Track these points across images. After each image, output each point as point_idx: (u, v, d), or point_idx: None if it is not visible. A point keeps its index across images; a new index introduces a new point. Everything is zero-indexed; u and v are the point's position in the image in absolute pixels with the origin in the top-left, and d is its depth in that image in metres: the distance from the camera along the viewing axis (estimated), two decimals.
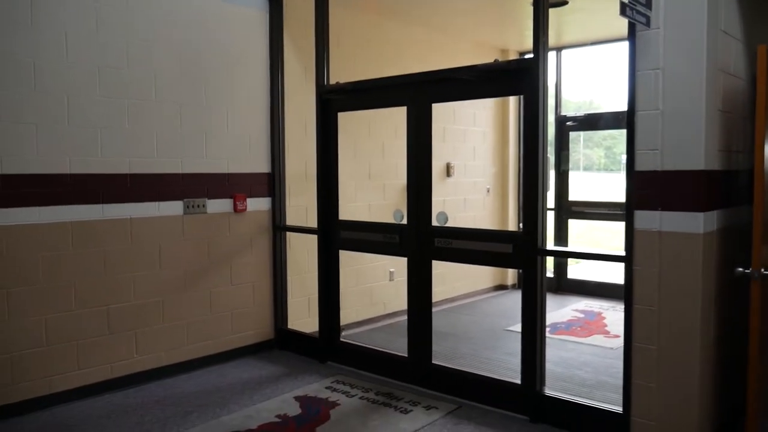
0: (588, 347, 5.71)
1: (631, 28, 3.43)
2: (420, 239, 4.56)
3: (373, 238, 4.87)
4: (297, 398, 4.43)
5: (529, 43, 7.80)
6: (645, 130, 3.42)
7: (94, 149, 4.37)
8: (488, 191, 7.98)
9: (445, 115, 7.24)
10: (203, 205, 5.01)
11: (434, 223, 4.54)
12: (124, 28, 4.48)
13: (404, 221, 4.70)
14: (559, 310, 7.09)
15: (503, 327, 6.45)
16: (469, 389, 4.36)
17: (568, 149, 7.91)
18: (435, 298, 6.94)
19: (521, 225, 8.00)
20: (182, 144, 4.85)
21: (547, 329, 6.31)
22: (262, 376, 4.90)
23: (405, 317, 6.71)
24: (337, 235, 5.10)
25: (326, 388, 4.64)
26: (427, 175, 4.53)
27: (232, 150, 5.18)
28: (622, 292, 7.17)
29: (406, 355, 4.75)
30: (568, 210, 7.85)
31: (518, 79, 3.96)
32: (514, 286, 8.34)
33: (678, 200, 3.33)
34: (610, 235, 13.78)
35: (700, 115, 3.24)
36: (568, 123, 7.74)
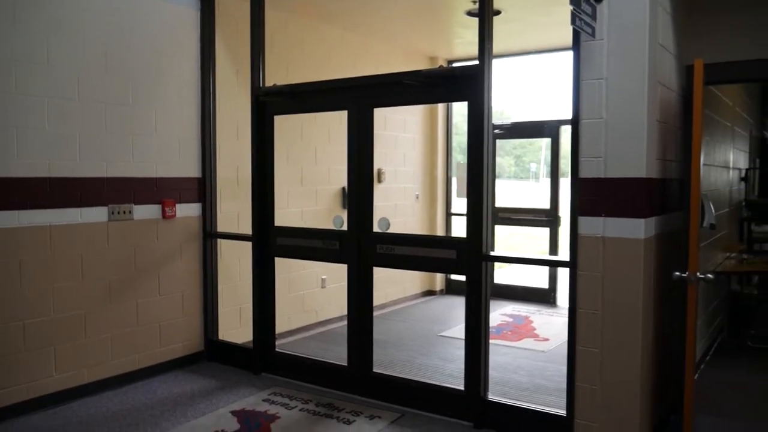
0: (520, 351, 5.81)
1: (576, 38, 3.51)
2: (361, 246, 4.49)
3: (312, 244, 4.75)
4: (234, 413, 4.24)
5: (458, 52, 7.93)
6: (589, 138, 3.50)
7: (9, 150, 4.02)
8: (417, 197, 8.01)
9: (376, 120, 7.18)
10: (129, 212, 4.72)
11: (376, 229, 4.47)
12: (45, 20, 4.16)
13: (344, 227, 4.61)
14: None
15: (436, 333, 6.47)
16: (412, 397, 4.31)
17: (494, 157, 8.04)
18: None
19: (451, 231, 8.05)
20: (107, 146, 4.55)
21: None
22: (194, 390, 4.66)
23: (338, 324, 6.68)
24: (272, 241, 4.94)
25: (264, 400, 4.46)
26: (369, 181, 4.47)
27: (160, 153, 4.92)
28: (546, 297, 7.38)
29: (345, 364, 4.65)
30: (495, 216, 7.98)
31: (463, 85, 3.98)
32: (442, 292, 8.42)
33: (621, 207, 3.42)
34: (527, 240, 14.21)
35: (643, 124, 3.35)
36: (495, 131, 7.89)
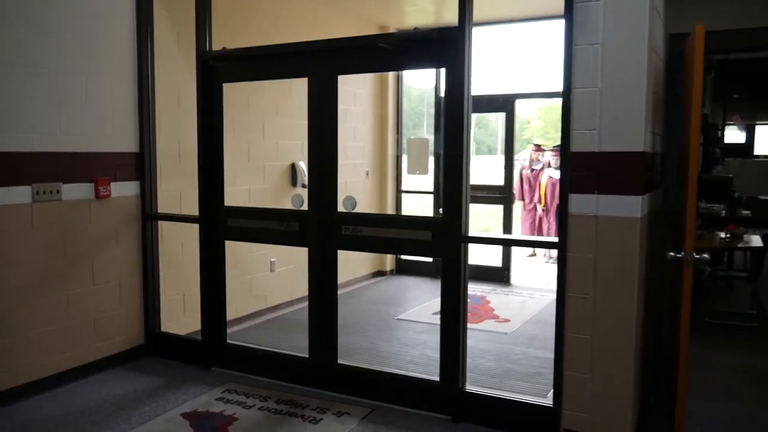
0: (483, 333, 5.58)
1: (569, 1, 3.22)
2: (324, 227, 4.09)
3: (268, 226, 4.32)
4: (185, 415, 3.80)
5: (410, 21, 7.56)
6: (582, 109, 3.23)
7: None
8: (368, 174, 7.64)
9: None
10: (57, 191, 4.14)
11: (340, 209, 4.09)
12: None
13: (305, 207, 4.20)
14: None
15: (393, 316, 6.17)
16: (382, 390, 3.99)
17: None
18: None
19: (401, 209, 7.75)
20: (30, 116, 3.95)
21: (437, 316, 6.13)
22: (138, 390, 4.17)
23: (288, 310, 6.29)
24: (222, 223, 4.47)
25: (217, 399, 4.04)
26: (333, 156, 4.07)
27: (92, 125, 4.34)
28: (500, 275, 7.17)
29: (306, 356, 4.27)
30: None
31: (440, 50, 3.62)
32: (392, 272, 8.12)
33: (617, 183, 3.18)
34: (476, 218, 14.12)
35: (641, 93, 3.10)
36: None
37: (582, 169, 3.26)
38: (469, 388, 3.79)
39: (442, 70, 7.41)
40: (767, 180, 12.84)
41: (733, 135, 14.45)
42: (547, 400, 3.64)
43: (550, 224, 8.71)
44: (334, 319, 4.16)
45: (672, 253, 3.29)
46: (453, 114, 3.62)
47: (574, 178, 3.29)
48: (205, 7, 4.35)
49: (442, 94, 7.55)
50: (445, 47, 3.59)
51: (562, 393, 3.40)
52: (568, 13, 3.23)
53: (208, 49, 4.37)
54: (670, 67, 4.21)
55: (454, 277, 3.69)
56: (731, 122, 13.34)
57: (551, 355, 4.84)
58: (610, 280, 3.23)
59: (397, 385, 3.98)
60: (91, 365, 4.40)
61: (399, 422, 3.73)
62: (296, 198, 4.27)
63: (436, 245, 3.75)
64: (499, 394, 3.76)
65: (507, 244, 6.77)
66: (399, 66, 4.19)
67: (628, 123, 3.13)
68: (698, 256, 3.23)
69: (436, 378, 3.87)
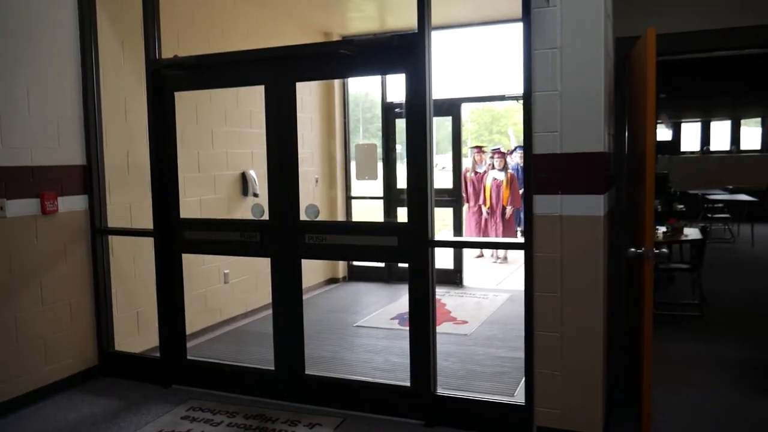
0: (443, 336, 5.58)
1: (526, 6, 3.29)
2: (287, 236, 4.03)
3: (227, 237, 4.22)
4: None
5: (354, 27, 7.56)
6: (543, 112, 3.30)
7: None
8: (317, 181, 7.58)
9: None
10: (2, 208, 3.92)
11: (303, 217, 4.04)
12: None
13: (265, 217, 4.13)
14: (397, 301, 6.96)
15: (351, 323, 6.13)
16: (352, 398, 3.95)
17: (395, 137, 7.81)
18: (269, 298, 6.47)
19: (351, 215, 7.72)
20: None
21: (395, 321, 6.16)
22: (96, 414, 3.99)
23: (243, 322, 6.18)
24: (179, 236, 4.34)
25: (182, 418, 3.91)
26: (293, 164, 4.01)
27: (36, 137, 4.14)
28: (452, 277, 7.24)
29: (272, 368, 4.19)
30: (397, 198, 7.76)
31: (401, 55, 3.63)
32: (344, 279, 8.08)
33: (579, 183, 3.27)
34: None
35: (599, 95, 3.20)
36: (396, 110, 7.63)
37: (545, 170, 3.33)
38: (441, 391, 3.81)
39: (389, 77, 7.55)
40: (693, 175, 13.52)
41: (661, 133, 15.14)
42: (517, 399, 3.70)
43: (496, 225, 8.88)
44: (300, 329, 4.10)
45: (633, 249, 3.40)
46: (415, 119, 3.64)
47: (537, 179, 3.36)
48: (152, 15, 4.22)
49: (390, 99, 7.64)
50: (405, 53, 3.60)
51: (533, 391, 3.46)
52: (526, 19, 3.30)
53: (157, 57, 4.24)
54: (617, 69, 4.37)
55: (422, 281, 3.70)
56: (659, 120, 13.97)
57: (513, 354, 5.01)
58: (577, 278, 3.31)
59: (368, 392, 3.95)
60: (43, 390, 4.19)
61: (372, 430, 3.71)
62: (256, 208, 4.19)
63: (402, 250, 3.76)
64: (469, 395, 3.79)
65: (474, 247, 6.84)
66: (358, 72, 4.18)
67: (587, 124, 3.23)
68: (657, 251, 3.36)
69: (407, 383, 3.87)
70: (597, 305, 3.29)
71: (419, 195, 3.65)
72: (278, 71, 3.95)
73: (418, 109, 3.61)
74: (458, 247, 4.10)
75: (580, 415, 3.37)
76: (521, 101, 3.44)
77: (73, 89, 4.40)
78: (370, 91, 13.33)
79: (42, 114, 4.16)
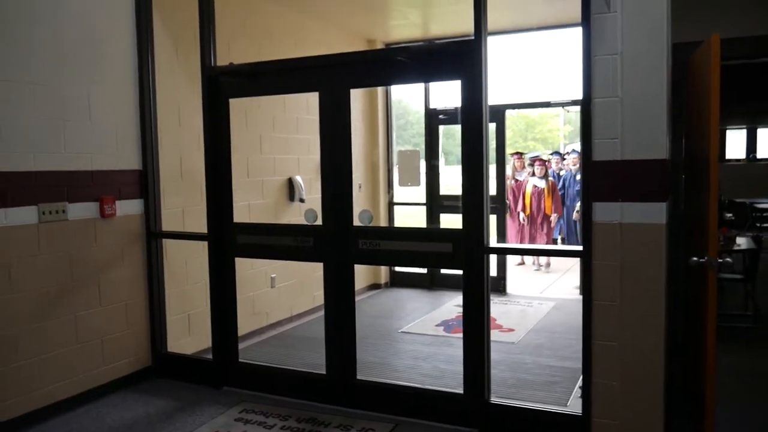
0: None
1: (586, 11, 3.26)
2: (340, 242, 4.06)
3: (280, 242, 4.26)
4: None
5: (396, 35, 7.59)
6: (603, 119, 3.26)
7: None
8: (360, 187, 7.61)
9: (312, 106, 6.74)
10: (63, 211, 4.03)
11: (356, 222, 4.06)
12: None
13: (318, 222, 4.16)
14: (441, 307, 6.95)
15: (397, 329, 6.14)
16: (404, 404, 3.95)
17: (438, 143, 7.81)
18: (314, 303, 6.53)
19: (393, 221, 7.72)
20: (35, 134, 3.85)
21: (440, 328, 6.15)
22: (150, 414, 4.07)
23: (289, 326, 6.23)
24: (232, 240, 4.40)
25: (236, 420, 3.95)
26: (347, 169, 4.06)
27: (96, 143, 4.25)
28: (496, 285, 7.15)
29: (324, 373, 4.21)
30: (440, 204, 7.76)
31: (456, 62, 3.63)
32: (386, 285, 8.09)
33: (640, 190, 3.22)
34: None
35: (662, 101, 3.16)
36: (440, 116, 7.63)
37: (605, 177, 3.29)
38: (494, 399, 3.78)
39: (432, 84, 7.55)
40: (740, 183, 13.21)
41: None
42: (571, 409, 3.65)
43: (538, 233, 8.76)
44: (352, 334, 4.12)
45: (695, 258, 3.33)
46: (470, 126, 3.63)
47: (597, 186, 3.32)
48: (209, 23, 4.30)
49: (433, 106, 7.64)
50: (460, 60, 3.60)
51: (591, 401, 3.41)
52: (586, 24, 3.27)
53: (213, 64, 4.32)
54: (674, 74, 4.29)
55: (477, 288, 3.68)
56: None
57: (563, 363, 4.95)
58: (637, 286, 3.26)
59: (420, 399, 3.95)
60: (100, 389, 4.29)
61: None
62: (310, 213, 4.22)
63: (457, 257, 3.75)
64: (524, 404, 3.76)
65: (530, 254, 6.76)
66: (412, 79, 4.18)
67: (649, 131, 3.18)
68: (721, 260, 3.29)
69: (459, 390, 3.85)
70: (658, 315, 3.24)
71: (475, 201, 3.64)
72: (333, 78, 3.99)
73: (473, 117, 3.61)
74: (514, 254, 4.08)
75: (639, 427, 3.31)
76: (567, 108, 3.41)
77: (131, 96, 4.50)
78: (403, 98, 13.42)
79: (101, 120, 4.27)
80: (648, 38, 3.16)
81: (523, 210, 8.89)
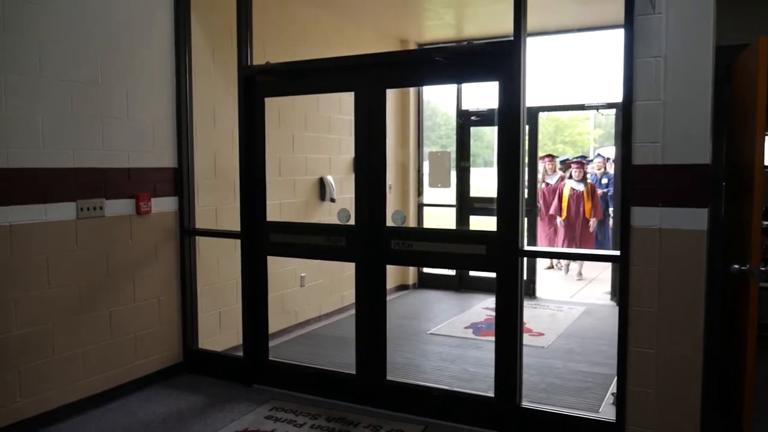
0: None
1: (629, 13, 3.21)
2: (373, 242, 4.05)
3: (313, 241, 4.27)
4: None
5: (429, 35, 7.57)
6: (645, 122, 3.21)
7: None
8: (390, 188, 7.60)
9: (345, 105, 6.73)
10: (101, 207, 4.09)
11: (389, 223, 4.05)
12: None
13: (351, 222, 4.16)
14: (469, 310, 6.91)
15: (425, 330, 6.11)
16: (433, 406, 3.93)
17: (469, 145, 7.77)
18: (342, 302, 6.54)
19: (423, 222, 7.70)
20: (74, 132, 3.91)
21: (469, 330, 6.11)
22: (182, 409, 4.11)
23: (318, 325, 6.24)
24: (265, 239, 4.42)
25: (266, 418, 3.97)
26: (381, 171, 4.05)
27: (133, 140, 4.30)
28: (525, 288, 7.10)
29: (353, 372, 4.21)
30: (470, 206, 7.71)
31: (494, 63, 3.60)
32: (414, 286, 8.07)
33: (682, 196, 3.16)
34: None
35: (707, 105, 3.09)
36: (472, 118, 7.59)
37: (645, 181, 3.24)
38: (526, 404, 3.74)
39: (464, 86, 7.51)
40: None
41: None
42: (603, 415, 3.60)
43: (578, 237, 8.56)
44: (383, 335, 4.11)
45: (736, 266, 3.26)
46: (507, 128, 3.60)
47: (636, 190, 3.27)
48: (246, 23, 4.33)
49: (465, 107, 7.60)
50: (499, 60, 3.57)
51: (626, 408, 3.36)
52: (629, 26, 3.22)
53: (250, 63, 4.35)
54: (717, 78, 4.21)
55: (510, 291, 3.65)
56: None
57: (594, 369, 4.88)
58: (676, 293, 3.20)
59: (450, 401, 3.92)
60: (132, 384, 4.34)
61: None
62: (343, 212, 4.22)
63: (491, 259, 3.72)
64: (557, 410, 3.71)
65: (566, 258, 6.67)
66: (449, 80, 4.18)
67: (692, 136, 3.12)
68: (764, 269, 3.21)
69: (490, 394, 3.82)
70: (697, 323, 3.17)
71: (510, 204, 3.61)
72: (369, 78, 3.99)
73: (510, 118, 3.58)
74: (550, 257, 4.04)
75: None
76: (601, 112, 3.37)
77: (167, 95, 4.55)
78: (431, 99, 13.35)
79: (138, 118, 4.32)
80: (693, 41, 3.10)
81: (559, 213, 8.70)
